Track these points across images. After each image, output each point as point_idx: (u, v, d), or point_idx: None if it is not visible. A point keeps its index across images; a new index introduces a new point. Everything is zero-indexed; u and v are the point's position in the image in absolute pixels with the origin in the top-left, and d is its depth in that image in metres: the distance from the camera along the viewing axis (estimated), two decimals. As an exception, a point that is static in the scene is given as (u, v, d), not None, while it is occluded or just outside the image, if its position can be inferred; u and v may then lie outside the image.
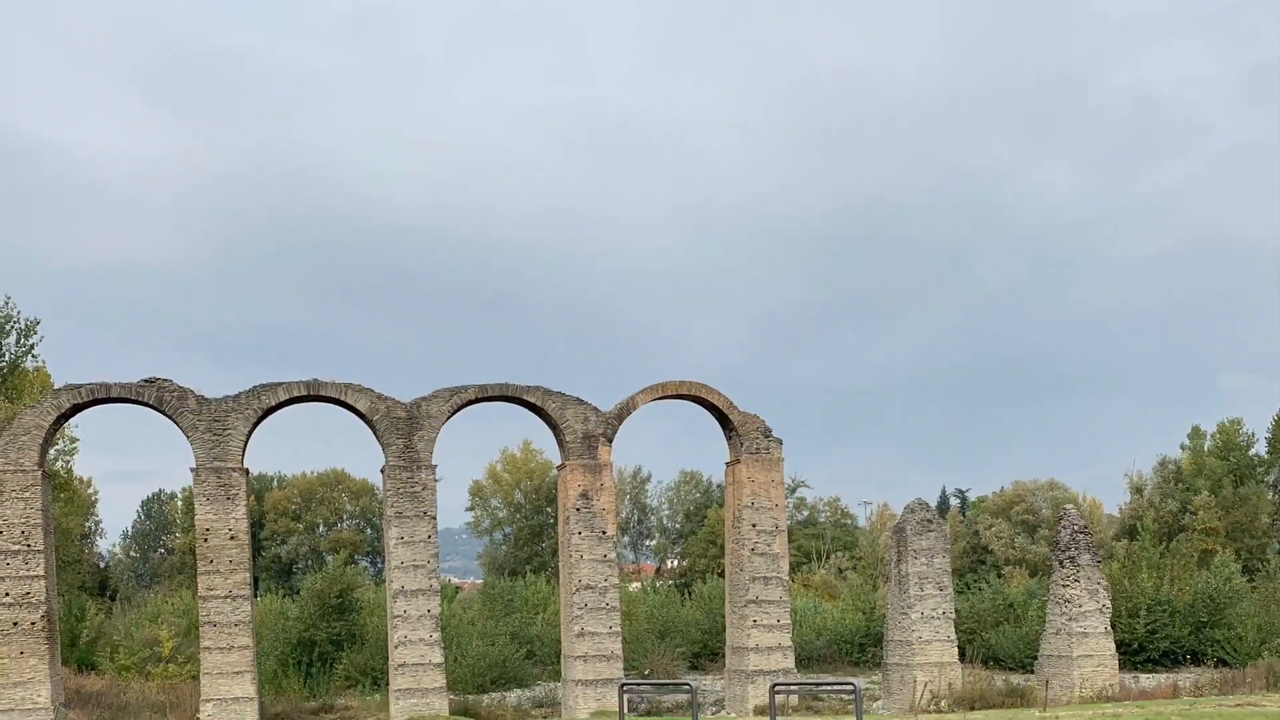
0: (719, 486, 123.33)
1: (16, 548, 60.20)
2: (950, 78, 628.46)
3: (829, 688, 22.55)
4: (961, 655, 73.12)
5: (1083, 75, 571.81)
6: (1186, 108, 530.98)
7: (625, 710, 18.93)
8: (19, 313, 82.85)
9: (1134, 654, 78.99)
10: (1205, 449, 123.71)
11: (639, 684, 19.06)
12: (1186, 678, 72.54)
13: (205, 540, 62.10)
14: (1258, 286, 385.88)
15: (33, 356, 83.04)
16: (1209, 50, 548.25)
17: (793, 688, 19.19)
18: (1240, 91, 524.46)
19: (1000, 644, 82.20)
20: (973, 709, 60.77)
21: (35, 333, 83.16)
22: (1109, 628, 70.92)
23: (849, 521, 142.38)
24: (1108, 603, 71.47)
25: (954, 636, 70.97)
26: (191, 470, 62.68)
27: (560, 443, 68.00)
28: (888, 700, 69.97)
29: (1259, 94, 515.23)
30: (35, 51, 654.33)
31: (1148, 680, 73.52)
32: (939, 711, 61.13)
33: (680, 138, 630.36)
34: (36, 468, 61.04)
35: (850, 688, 18.49)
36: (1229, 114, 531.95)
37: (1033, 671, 73.48)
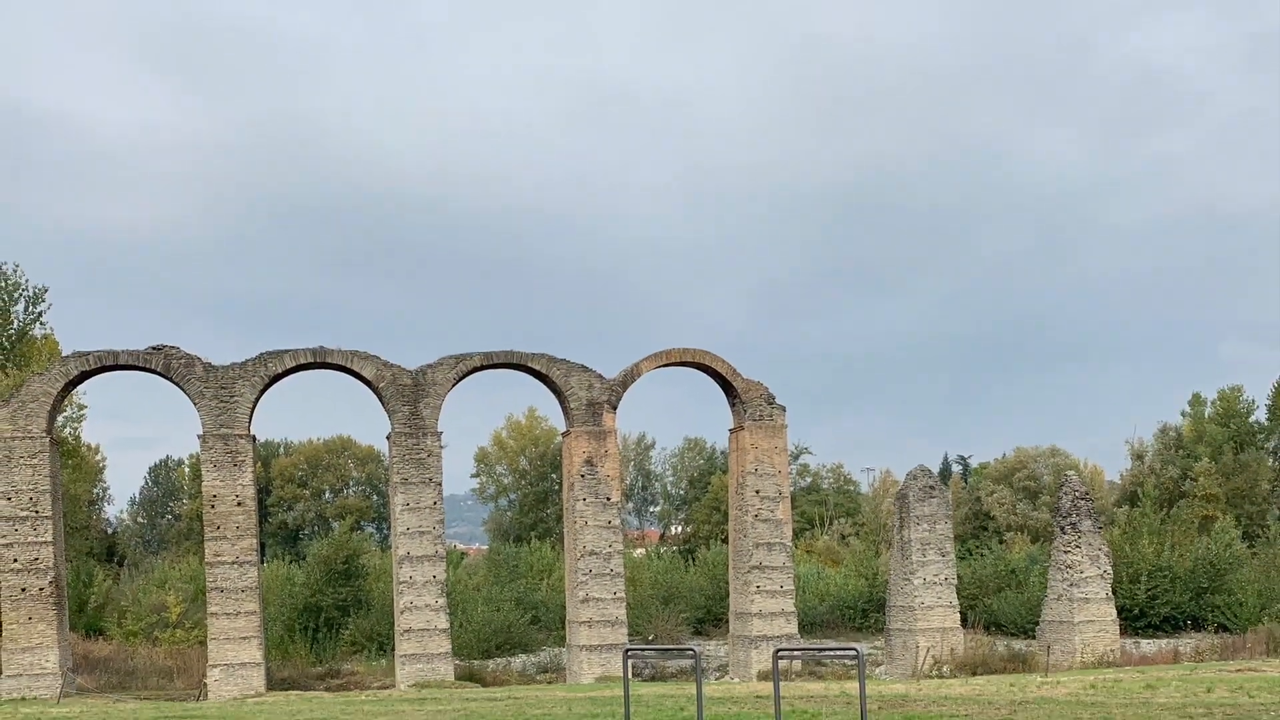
0: (723, 453, 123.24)
1: (25, 514, 60.45)
2: (952, 46, 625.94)
3: (832, 653, 22.46)
4: (964, 621, 73.15)
5: (1084, 44, 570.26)
6: (1187, 77, 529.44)
7: (629, 676, 18.89)
8: (27, 280, 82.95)
9: (1135, 620, 78.99)
10: (1206, 416, 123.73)
11: (643, 649, 18.98)
12: (1187, 643, 72.55)
13: (212, 506, 62.30)
14: (1258, 255, 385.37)
15: (40, 324, 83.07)
16: (1210, 19, 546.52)
17: (796, 653, 19.09)
18: (1241, 60, 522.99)
19: (1002, 609, 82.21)
20: (975, 674, 60.77)
21: (43, 300, 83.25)
22: (1110, 593, 70.92)
23: (852, 488, 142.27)
24: (1109, 569, 71.45)
25: (956, 602, 70.99)
26: (199, 437, 62.79)
27: (565, 410, 67.95)
28: (890, 665, 70.01)
29: (1260, 63, 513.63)
30: (43, 22, 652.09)
31: (1149, 646, 73.56)
32: (941, 677, 61.12)
33: (683, 106, 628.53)
34: (44, 434, 61.30)
35: (853, 653, 18.33)
36: (1230, 83, 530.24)
37: (1034, 637, 73.49)
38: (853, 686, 48.88)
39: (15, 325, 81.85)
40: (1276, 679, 46.58)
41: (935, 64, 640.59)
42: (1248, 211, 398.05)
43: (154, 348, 63.13)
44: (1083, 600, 69.94)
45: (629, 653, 20.22)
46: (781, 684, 53.17)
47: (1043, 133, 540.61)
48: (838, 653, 23.78)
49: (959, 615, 71.48)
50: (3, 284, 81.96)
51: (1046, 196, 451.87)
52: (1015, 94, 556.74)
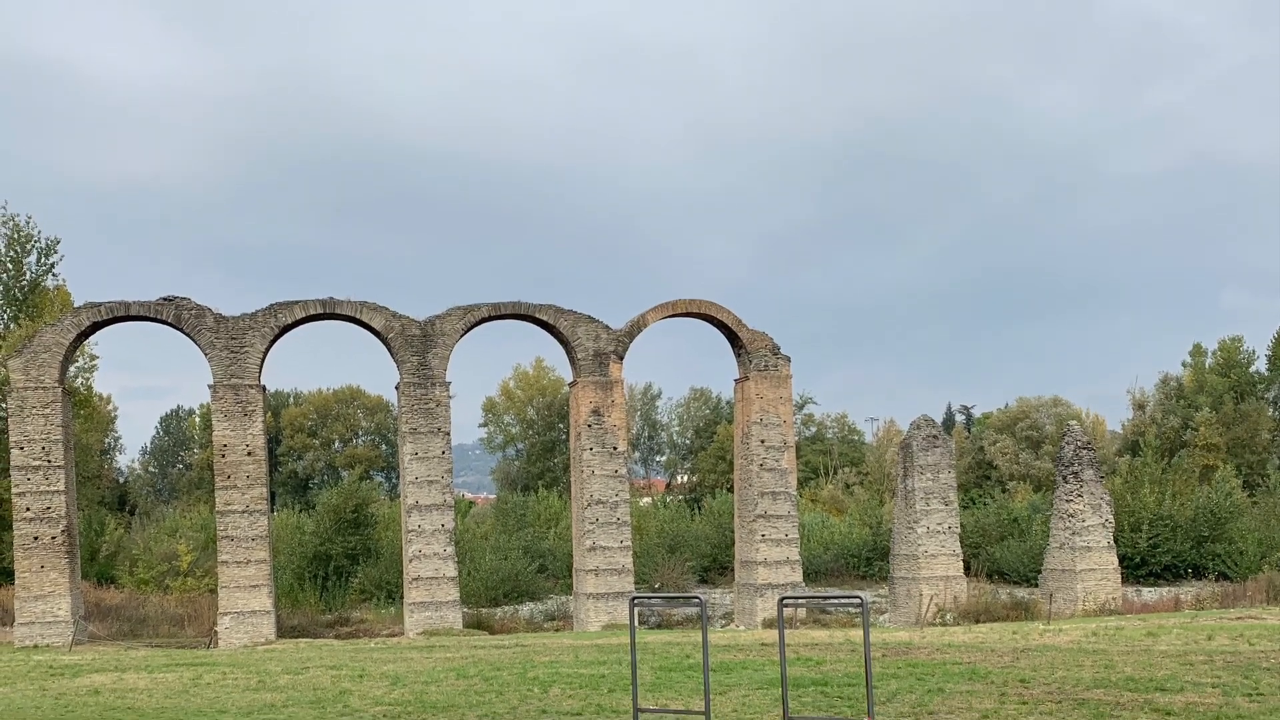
0: (728, 403, 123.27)
1: (37, 463, 60.66)
2: (959, 3, 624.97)
3: (836, 601, 22.33)
4: (967, 569, 73.23)
5: (1083, 4, 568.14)
6: (1188, 29, 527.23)
7: (635, 623, 18.81)
8: (39, 232, 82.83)
9: (1136, 568, 79.00)
10: (1206, 366, 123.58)
11: (649, 597, 18.84)
12: (1188, 591, 72.52)
13: (223, 456, 62.39)
14: (1258, 204, 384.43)
15: (53, 275, 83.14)
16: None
17: (801, 601, 18.97)
18: (1242, 12, 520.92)
19: (1005, 558, 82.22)
20: (978, 622, 60.76)
21: (55, 252, 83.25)
22: (1111, 542, 70.90)
23: (856, 438, 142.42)
24: (1110, 518, 71.40)
25: (959, 551, 71.03)
26: (209, 387, 62.87)
27: (572, 360, 67.92)
28: (894, 613, 70.05)
29: (1260, 17, 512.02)
30: None
31: (1150, 594, 73.57)
32: (944, 624, 61.14)
33: (689, 58, 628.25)
34: (56, 385, 61.45)
35: (858, 601, 18.08)
36: (1230, 35, 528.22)
37: (1036, 585, 73.52)
38: (857, 634, 48.81)
39: (27, 276, 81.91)
40: (1276, 627, 46.49)
41: (938, 15, 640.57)
42: (1248, 161, 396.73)
43: (165, 298, 63.20)
44: (1084, 549, 69.93)
45: (635, 601, 19.97)
46: (786, 631, 53.19)
47: (1044, 84, 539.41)
48: (842, 601, 23.75)
49: (962, 564, 71.55)
50: (15, 235, 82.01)
51: (1049, 147, 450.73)
52: (1017, 45, 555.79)
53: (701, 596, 19.64)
